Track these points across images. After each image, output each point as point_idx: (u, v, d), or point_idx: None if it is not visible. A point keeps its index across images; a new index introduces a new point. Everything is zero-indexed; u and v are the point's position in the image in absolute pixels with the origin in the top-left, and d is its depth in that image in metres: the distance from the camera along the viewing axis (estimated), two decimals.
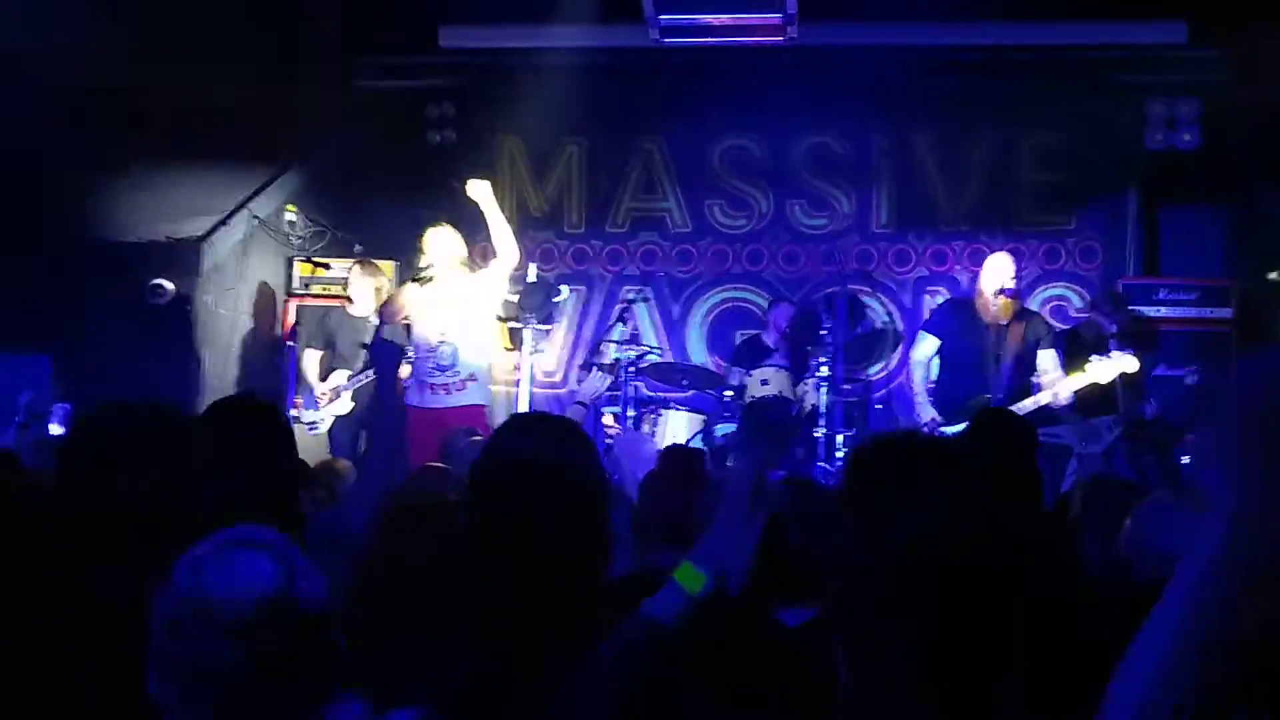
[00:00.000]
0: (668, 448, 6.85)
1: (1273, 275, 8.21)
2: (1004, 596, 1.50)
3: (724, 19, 7.95)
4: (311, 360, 8.59)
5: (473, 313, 7.29)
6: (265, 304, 9.75)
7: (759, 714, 2.64)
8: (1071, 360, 7.40)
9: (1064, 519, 4.28)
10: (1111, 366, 7.25)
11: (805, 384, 8.51)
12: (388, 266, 9.19)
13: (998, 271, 7.47)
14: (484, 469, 2.39)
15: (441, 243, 7.32)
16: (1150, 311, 8.66)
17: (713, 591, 2.06)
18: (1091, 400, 7.34)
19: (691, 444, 7.90)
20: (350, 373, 8.50)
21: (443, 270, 7.24)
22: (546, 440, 2.39)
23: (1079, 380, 7.27)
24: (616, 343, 8.92)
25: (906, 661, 1.47)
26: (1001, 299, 7.35)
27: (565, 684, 2.01)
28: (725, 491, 2.17)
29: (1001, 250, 7.98)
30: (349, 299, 8.75)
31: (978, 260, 8.34)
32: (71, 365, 8.42)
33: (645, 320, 10.01)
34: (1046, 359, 7.46)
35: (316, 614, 1.85)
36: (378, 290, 8.63)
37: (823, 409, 8.35)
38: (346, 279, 8.92)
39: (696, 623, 2.06)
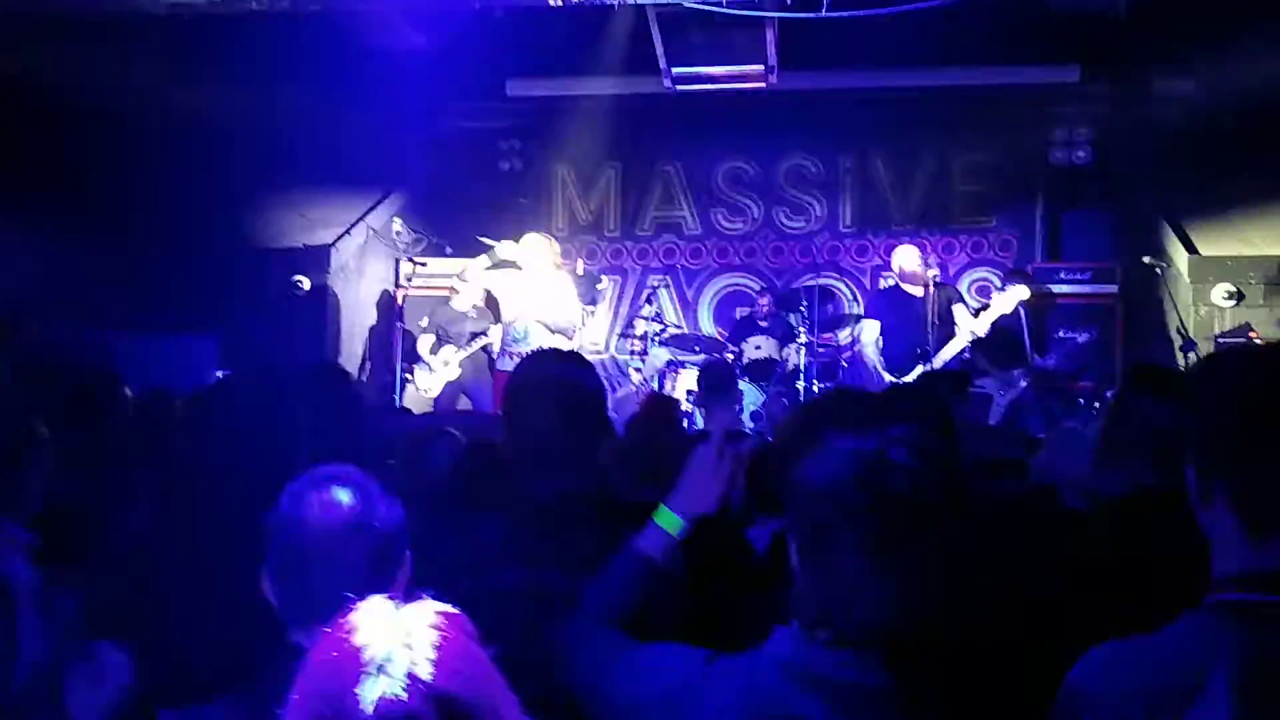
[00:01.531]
0: (649, 394, 6.81)
1: (1147, 260, 8.10)
2: (927, 511, 1.44)
3: (720, 70, 7.90)
4: (424, 343, 8.42)
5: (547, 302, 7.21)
6: (381, 295, 9.80)
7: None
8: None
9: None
10: (1010, 297, 7.24)
11: (789, 348, 8.50)
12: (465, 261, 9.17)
13: (908, 258, 7.49)
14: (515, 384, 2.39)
15: (533, 246, 7.24)
16: (1054, 288, 8.59)
17: (688, 531, 1.98)
18: (1006, 356, 7.30)
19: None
20: (456, 348, 8.25)
21: (528, 266, 7.18)
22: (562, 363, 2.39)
23: (989, 314, 7.25)
24: (645, 318, 8.94)
25: (846, 565, 1.44)
26: (923, 278, 7.36)
27: (570, 608, 1.94)
28: (693, 451, 2.07)
29: (925, 242, 7.96)
30: (454, 291, 8.37)
31: (922, 251, 8.27)
32: (232, 344, 8.49)
33: (666, 302, 10.01)
34: (961, 313, 7.42)
35: (391, 532, 1.81)
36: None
37: (802, 367, 8.35)
38: (446, 273, 8.63)
39: (677, 554, 1.98)
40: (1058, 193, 9.49)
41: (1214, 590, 1.40)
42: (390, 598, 1.17)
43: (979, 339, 7.22)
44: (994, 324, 7.28)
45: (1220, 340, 7.59)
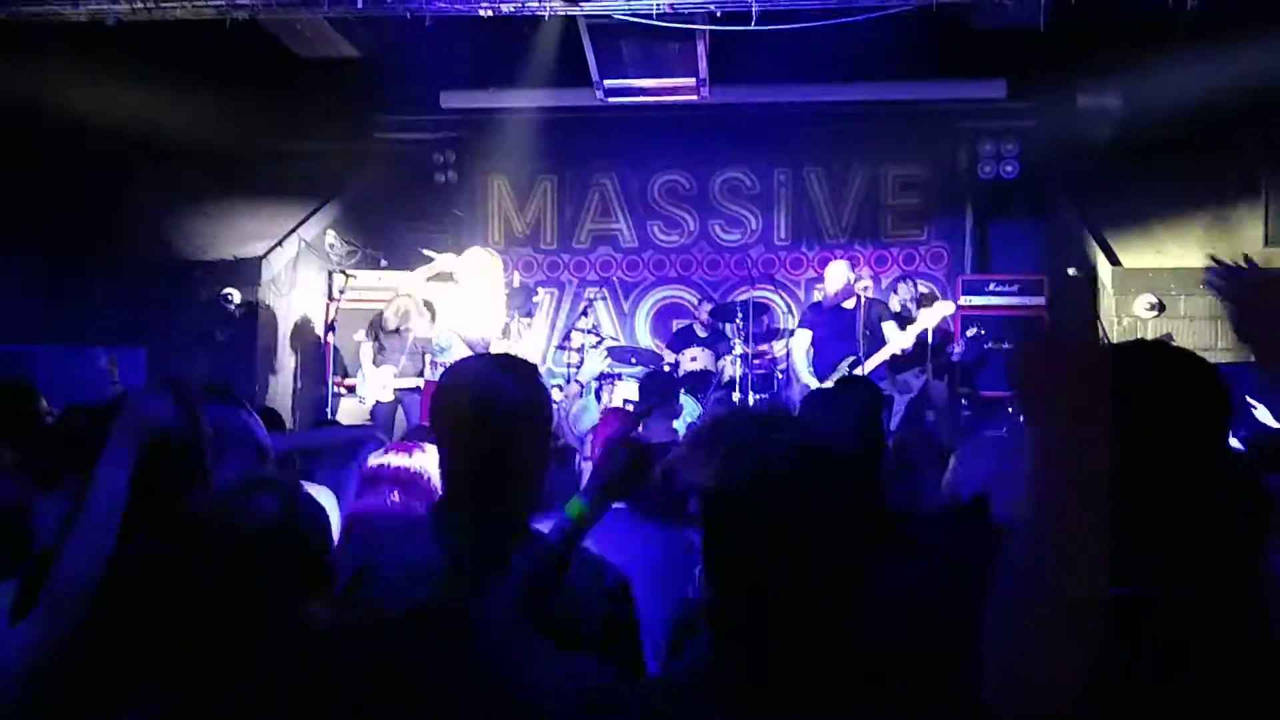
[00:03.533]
0: (610, 408, 6.85)
1: (1071, 271, 8.28)
2: (816, 516, 1.44)
3: (651, 83, 7.94)
4: (366, 351, 8.27)
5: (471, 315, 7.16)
6: (312, 307, 9.70)
7: None
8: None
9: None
10: (935, 312, 7.38)
11: (724, 359, 8.55)
12: (401, 274, 9.11)
13: (837, 274, 7.59)
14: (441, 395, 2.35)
15: (472, 260, 7.17)
16: (983, 300, 8.74)
17: (589, 514, 2.02)
18: (900, 360, 7.44)
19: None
20: (396, 370, 8.12)
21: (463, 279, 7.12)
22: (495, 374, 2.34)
23: (915, 329, 7.38)
24: (582, 331, 8.92)
25: (743, 562, 1.46)
26: (852, 291, 7.47)
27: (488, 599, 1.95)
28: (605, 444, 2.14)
29: (858, 254, 8.08)
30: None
31: (853, 263, 8.37)
32: (162, 356, 8.37)
33: (604, 314, 10.01)
34: (889, 328, 7.54)
35: (315, 532, 1.84)
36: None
37: (738, 379, 8.40)
38: (380, 286, 8.61)
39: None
40: (987, 206, 9.65)
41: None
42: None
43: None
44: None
45: None
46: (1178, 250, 8.61)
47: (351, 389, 8.48)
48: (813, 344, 7.69)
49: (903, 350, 7.34)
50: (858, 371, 7.09)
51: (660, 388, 6.65)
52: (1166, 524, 1.45)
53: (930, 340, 7.49)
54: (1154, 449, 1.46)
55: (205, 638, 1.68)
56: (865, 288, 7.62)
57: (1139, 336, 7.84)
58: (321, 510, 1.93)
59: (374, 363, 8.21)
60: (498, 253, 9.24)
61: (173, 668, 1.65)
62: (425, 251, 7.65)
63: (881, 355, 7.29)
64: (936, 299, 8.33)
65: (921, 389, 7.46)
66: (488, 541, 2.11)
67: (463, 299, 7.09)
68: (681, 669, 1.74)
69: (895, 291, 8.51)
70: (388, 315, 8.19)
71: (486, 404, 2.19)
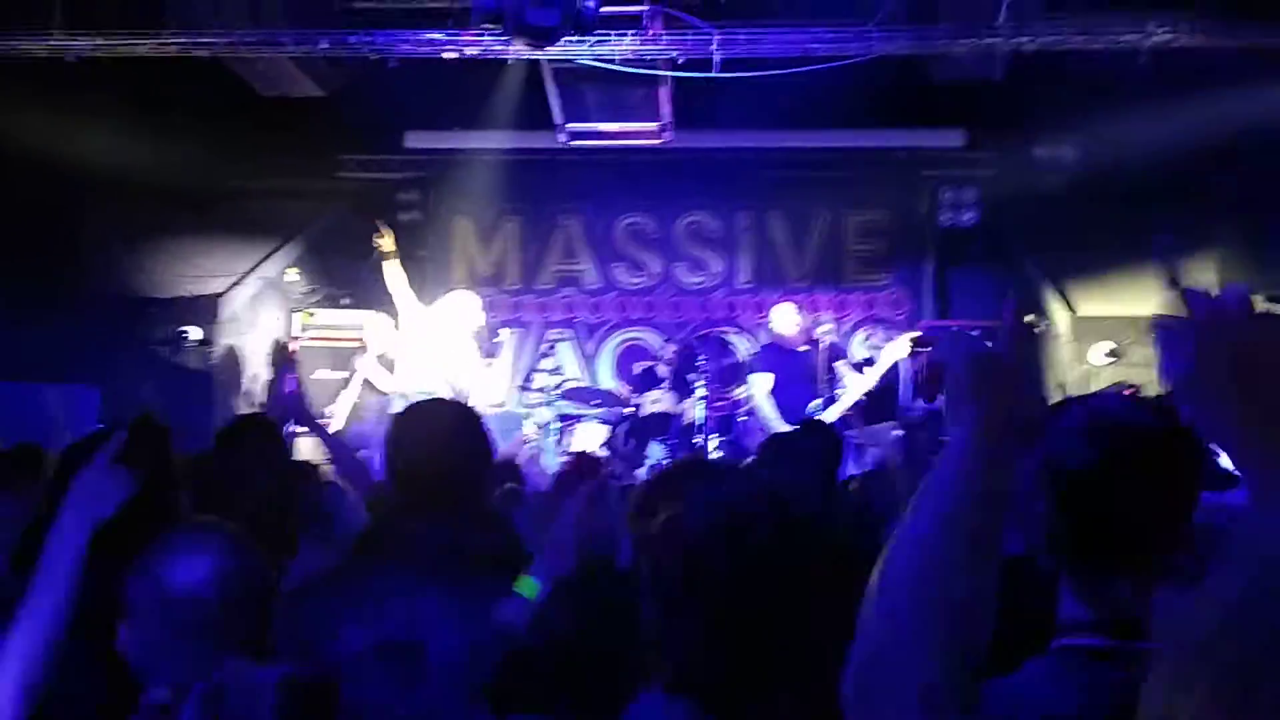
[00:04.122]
0: (575, 454, 6.81)
1: (1029, 319, 8.34)
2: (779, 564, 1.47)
3: (614, 127, 7.99)
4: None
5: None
6: (272, 346, 9.59)
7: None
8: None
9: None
10: (897, 348, 7.37)
11: (686, 402, 8.53)
12: (365, 314, 9.08)
13: (786, 317, 7.63)
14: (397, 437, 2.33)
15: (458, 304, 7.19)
16: None
17: (548, 594, 2.01)
18: (874, 411, 7.43)
19: (600, 449, 7.90)
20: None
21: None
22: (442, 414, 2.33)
23: (876, 371, 7.38)
24: (545, 372, 8.90)
25: (690, 611, 1.46)
26: (805, 334, 7.49)
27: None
28: (561, 507, 2.14)
29: (818, 298, 8.13)
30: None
31: (814, 307, 8.42)
32: (116, 396, 8.26)
33: (567, 355, 9.99)
34: (844, 368, 7.54)
35: (255, 590, 1.82)
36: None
37: (700, 421, 8.38)
38: (339, 325, 8.54)
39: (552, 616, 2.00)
40: (946, 252, 9.72)
41: (1060, 635, 1.42)
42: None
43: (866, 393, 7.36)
44: (882, 378, 7.41)
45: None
46: (1134, 299, 8.71)
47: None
48: (774, 387, 7.66)
49: (868, 393, 7.31)
50: (821, 417, 7.08)
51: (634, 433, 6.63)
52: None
53: (908, 384, 7.47)
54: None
55: None
56: (828, 331, 7.64)
57: (1094, 385, 7.93)
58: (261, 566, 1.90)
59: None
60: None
61: None
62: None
63: (846, 401, 7.25)
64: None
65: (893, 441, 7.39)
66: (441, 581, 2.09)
67: (441, 344, 7.06)
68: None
69: (850, 338, 8.54)
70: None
71: (441, 449, 2.20)
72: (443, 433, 2.36)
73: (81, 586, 1.88)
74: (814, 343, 7.45)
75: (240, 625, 1.76)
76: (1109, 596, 1.41)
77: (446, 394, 6.70)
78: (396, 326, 7.49)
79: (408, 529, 2.29)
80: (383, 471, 3.16)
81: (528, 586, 2.01)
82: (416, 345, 7.21)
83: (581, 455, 6.10)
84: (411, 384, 6.95)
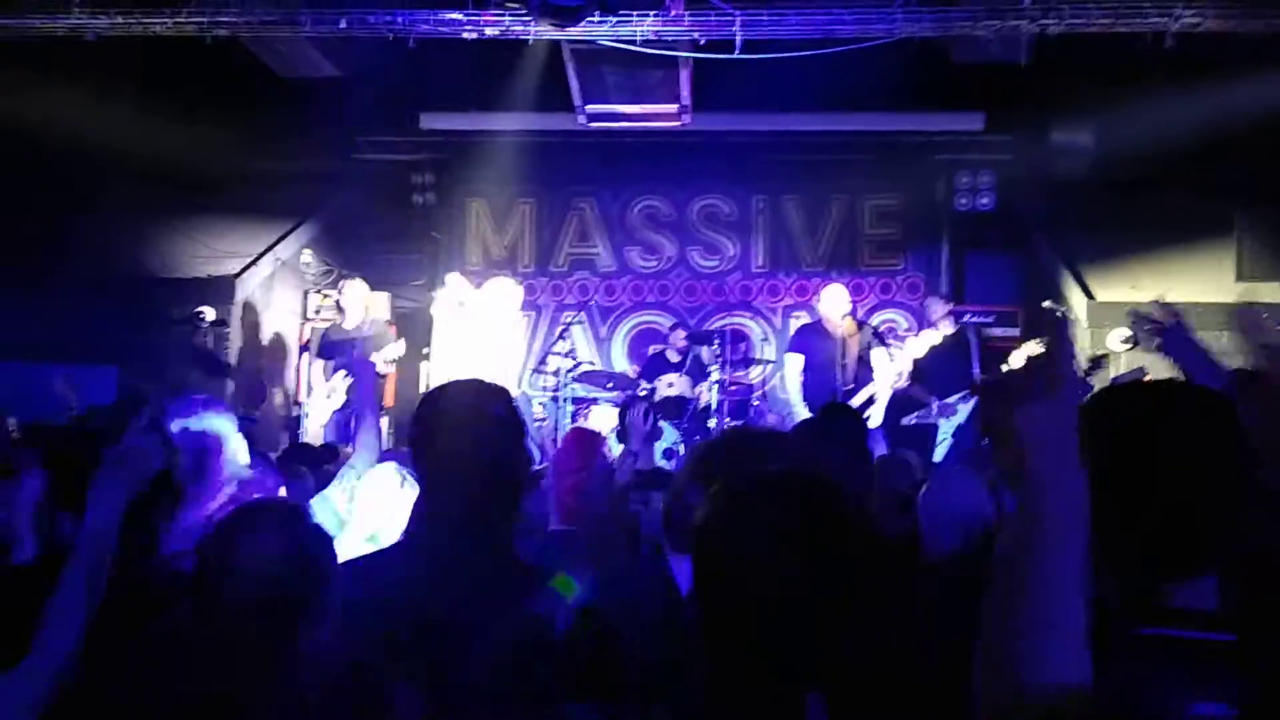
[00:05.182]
0: (573, 429, 6.73)
1: (1046, 303, 8.31)
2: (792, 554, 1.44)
3: (633, 109, 7.95)
4: (318, 368, 8.27)
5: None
6: (286, 326, 9.60)
7: None
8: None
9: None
10: (920, 342, 7.33)
11: (700, 386, 8.52)
12: (379, 295, 9.10)
13: (838, 299, 7.50)
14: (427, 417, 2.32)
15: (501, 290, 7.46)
16: None
17: (587, 598, 1.95)
18: (944, 384, 7.36)
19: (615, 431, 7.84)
20: (345, 374, 7.86)
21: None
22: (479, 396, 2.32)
23: (903, 360, 7.34)
24: (559, 355, 8.87)
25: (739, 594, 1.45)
26: (847, 320, 7.40)
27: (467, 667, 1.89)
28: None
29: (841, 283, 8.07)
30: (340, 310, 8.27)
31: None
32: (134, 374, 8.26)
33: (581, 338, 9.96)
34: (880, 355, 7.49)
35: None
36: (367, 306, 8.24)
37: (714, 405, 8.37)
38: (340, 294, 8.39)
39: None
40: (963, 237, 9.69)
41: (1125, 623, 1.40)
42: None
43: (918, 367, 7.30)
44: (934, 351, 7.35)
45: (1115, 382, 7.80)
46: (1152, 284, 8.66)
47: None
48: (804, 369, 7.61)
49: (899, 380, 7.26)
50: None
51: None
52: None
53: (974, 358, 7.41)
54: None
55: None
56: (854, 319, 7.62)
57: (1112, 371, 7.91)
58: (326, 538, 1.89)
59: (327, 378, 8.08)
60: (474, 275, 9.27)
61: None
62: (450, 277, 8.11)
63: (870, 389, 7.20)
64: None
65: (969, 413, 7.27)
66: (474, 569, 2.06)
67: (483, 330, 7.04)
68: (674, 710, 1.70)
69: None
70: (342, 325, 8.07)
71: (475, 428, 2.17)
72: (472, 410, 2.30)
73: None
74: (860, 326, 7.42)
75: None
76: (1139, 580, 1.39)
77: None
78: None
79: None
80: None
81: (565, 585, 1.95)
82: (459, 331, 7.20)
83: (580, 432, 5.96)
84: (453, 369, 6.94)
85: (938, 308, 8.00)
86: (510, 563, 2.14)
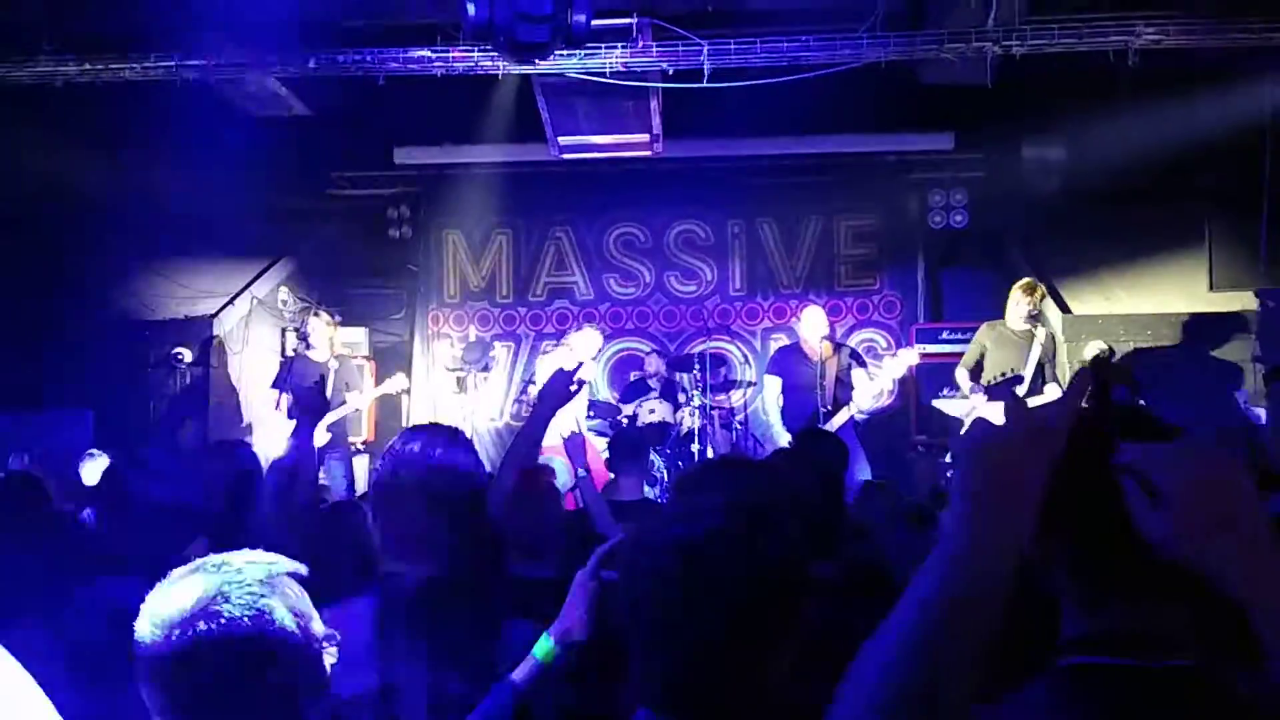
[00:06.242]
0: (525, 470, 6.68)
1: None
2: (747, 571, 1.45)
3: (605, 139, 7.98)
4: (281, 401, 7.85)
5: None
6: (265, 365, 9.55)
7: None
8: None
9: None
10: (900, 362, 7.35)
11: (682, 411, 8.52)
12: (357, 330, 9.10)
13: (816, 321, 7.51)
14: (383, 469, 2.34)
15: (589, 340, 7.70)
16: (936, 348, 8.77)
17: (564, 658, 2.03)
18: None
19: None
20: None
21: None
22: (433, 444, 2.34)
23: (882, 379, 7.36)
24: (539, 385, 8.84)
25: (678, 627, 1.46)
26: (824, 343, 7.40)
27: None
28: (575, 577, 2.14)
29: (818, 304, 8.09)
30: (308, 346, 8.04)
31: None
32: (109, 418, 8.22)
33: None
34: (859, 376, 7.51)
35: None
36: (331, 340, 8.05)
37: (696, 430, 8.36)
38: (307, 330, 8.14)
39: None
40: (938, 255, 9.75)
41: (1062, 654, 1.39)
42: None
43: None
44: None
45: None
46: (1126, 297, 8.74)
47: None
48: (782, 390, 7.60)
49: (877, 399, 7.29)
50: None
51: (628, 446, 6.57)
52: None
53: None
54: None
55: None
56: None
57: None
58: None
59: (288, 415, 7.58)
60: (452, 307, 9.28)
61: None
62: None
63: (846, 412, 7.20)
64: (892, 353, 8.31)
65: None
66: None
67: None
68: None
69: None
70: (311, 356, 7.96)
71: (447, 483, 2.18)
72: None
73: None
74: (838, 348, 7.44)
75: None
76: (1110, 611, 1.38)
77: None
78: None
79: None
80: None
81: (544, 650, 2.02)
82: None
83: (527, 470, 5.93)
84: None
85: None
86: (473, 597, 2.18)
